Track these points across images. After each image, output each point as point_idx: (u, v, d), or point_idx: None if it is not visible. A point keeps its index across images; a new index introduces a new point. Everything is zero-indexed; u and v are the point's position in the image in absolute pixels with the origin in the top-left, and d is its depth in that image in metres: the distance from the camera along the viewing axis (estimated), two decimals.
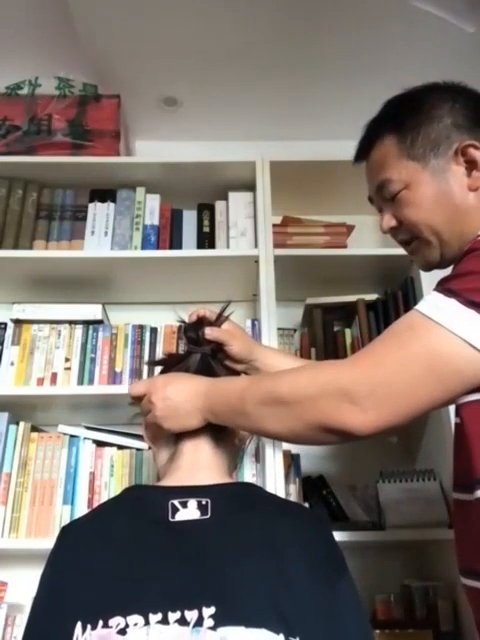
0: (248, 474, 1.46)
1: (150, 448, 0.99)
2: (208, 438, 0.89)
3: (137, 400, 0.94)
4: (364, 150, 0.94)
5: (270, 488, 1.30)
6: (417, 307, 0.74)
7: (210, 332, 0.99)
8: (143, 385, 0.93)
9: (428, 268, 0.94)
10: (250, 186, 1.72)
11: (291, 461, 1.48)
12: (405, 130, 0.87)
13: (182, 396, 0.87)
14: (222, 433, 0.90)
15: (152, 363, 1.50)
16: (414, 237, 0.90)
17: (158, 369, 1.05)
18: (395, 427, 0.72)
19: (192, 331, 1.00)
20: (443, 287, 0.74)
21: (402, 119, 0.88)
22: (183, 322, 1.06)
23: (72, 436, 1.50)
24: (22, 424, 1.50)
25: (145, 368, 1.55)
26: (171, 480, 0.85)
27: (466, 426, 0.76)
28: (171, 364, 0.99)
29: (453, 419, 0.86)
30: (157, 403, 0.88)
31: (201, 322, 1.02)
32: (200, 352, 0.97)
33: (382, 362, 0.72)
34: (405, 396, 0.70)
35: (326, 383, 0.74)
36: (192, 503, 0.78)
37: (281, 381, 0.81)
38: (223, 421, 0.86)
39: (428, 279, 1.55)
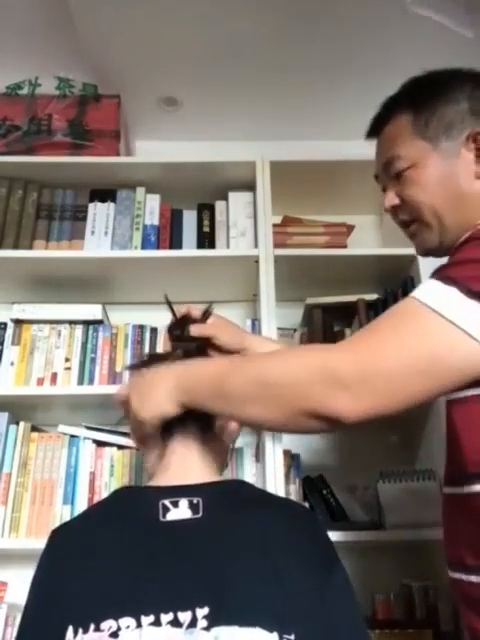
0: (248, 474, 1.47)
1: (138, 449, 0.97)
2: (196, 436, 0.88)
3: (124, 405, 0.91)
4: (378, 125, 0.93)
5: (270, 488, 1.30)
6: (415, 294, 0.71)
7: (194, 329, 0.98)
8: (125, 386, 0.93)
9: (426, 254, 0.92)
10: (250, 186, 1.72)
11: (291, 461, 1.48)
12: (421, 109, 0.86)
13: (155, 381, 0.85)
14: (209, 431, 0.89)
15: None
16: (415, 219, 0.88)
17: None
18: (384, 417, 0.68)
19: (177, 328, 0.99)
20: (441, 274, 0.71)
21: (420, 98, 0.88)
22: (175, 317, 1.04)
23: (72, 436, 1.50)
24: (22, 424, 1.50)
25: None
26: (161, 480, 0.84)
27: (455, 423, 0.75)
28: (154, 364, 0.94)
29: None
30: (133, 395, 0.86)
31: (185, 319, 1.01)
32: (183, 348, 0.96)
33: (378, 350, 0.68)
34: (400, 387, 0.67)
35: (318, 368, 0.69)
36: (183, 502, 0.77)
37: (266, 363, 0.76)
38: (200, 404, 0.80)
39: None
